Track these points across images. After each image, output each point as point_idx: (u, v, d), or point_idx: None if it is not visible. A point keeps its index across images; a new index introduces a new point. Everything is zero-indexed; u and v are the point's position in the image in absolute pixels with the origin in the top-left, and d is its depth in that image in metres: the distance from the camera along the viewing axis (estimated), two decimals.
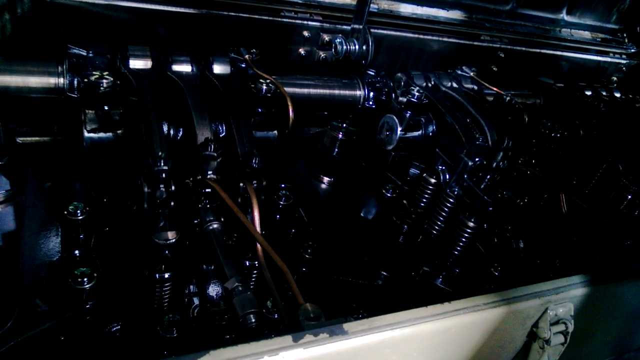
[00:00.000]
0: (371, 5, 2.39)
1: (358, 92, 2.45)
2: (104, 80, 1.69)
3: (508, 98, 2.58)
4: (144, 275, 1.45)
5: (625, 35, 3.67)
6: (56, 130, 2.05)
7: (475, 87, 2.52)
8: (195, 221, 1.59)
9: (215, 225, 1.56)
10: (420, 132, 2.15)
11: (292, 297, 1.32)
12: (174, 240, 1.42)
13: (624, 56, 3.66)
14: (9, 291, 1.44)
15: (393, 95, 2.42)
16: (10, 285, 1.45)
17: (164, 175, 1.45)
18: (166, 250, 1.43)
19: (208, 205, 1.60)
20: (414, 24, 2.79)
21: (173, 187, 1.49)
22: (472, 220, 1.90)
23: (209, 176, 1.63)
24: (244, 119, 1.81)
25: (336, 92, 2.41)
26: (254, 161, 1.63)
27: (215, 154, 1.62)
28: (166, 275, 1.45)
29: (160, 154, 1.48)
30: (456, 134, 2.04)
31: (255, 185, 1.63)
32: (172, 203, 1.50)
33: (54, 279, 1.49)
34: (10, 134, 1.95)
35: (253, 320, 1.29)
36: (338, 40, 2.45)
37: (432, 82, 2.38)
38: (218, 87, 1.88)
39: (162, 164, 1.46)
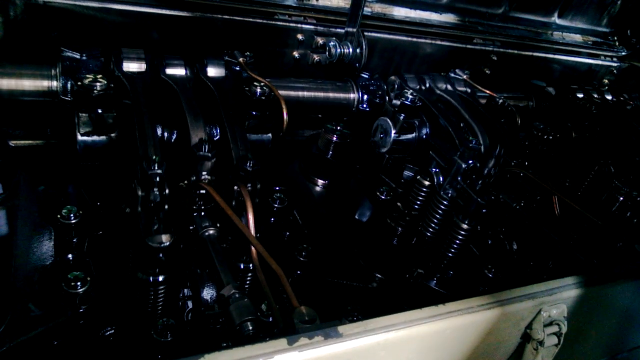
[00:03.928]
0: (365, 8, 2.40)
1: (352, 95, 2.45)
2: (98, 83, 1.68)
3: (501, 101, 2.59)
4: (138, 278, 1.44)
5: (616, 38, 3.71)
6: (49, 134, 2.04)
7: (469, 90, 2.53)
8: (191, 227, 1.59)
9: (211, 232, 1.56)
10: (413, 134, 2.16)
11: (287, 300, 1.31)
12: (168, 243, 1.42)
13: (614, 59, 3.69)
14: (1, 296, 1.42)
15: (387, 98, 2.43)
16: (3, 289, 1.44)
17: (157, 178, 1.45)
18: (160, 253, 1.43)
19: (202, 208, 1.60)
20: (408, 27, 2.80)
21: (167, 191, 1.48)
22: (466, 222, 1.91)
23: (203, 177, 1.63)
24: (238, 122, 1.80)
25: (330, 95, 2.42)
26: (248, 164, 1.63)
27: (210, 154, 1.62)
28: (160, 279, 1.45)
29: (154, 157, 1.48)
30: (449, 137, 2.05)
31: (249, 188, 1.63)
32: (166, 206, 1.50)
33: (47, 283, 1.48)
34: (3, 137, 1.94)
35: (250, 327, 1.28)
36: (332, 43, 2.45)
37: (427, 85, 2.39)
38: (212, 90, 1.88)
39: (156, 168, 1.46)
